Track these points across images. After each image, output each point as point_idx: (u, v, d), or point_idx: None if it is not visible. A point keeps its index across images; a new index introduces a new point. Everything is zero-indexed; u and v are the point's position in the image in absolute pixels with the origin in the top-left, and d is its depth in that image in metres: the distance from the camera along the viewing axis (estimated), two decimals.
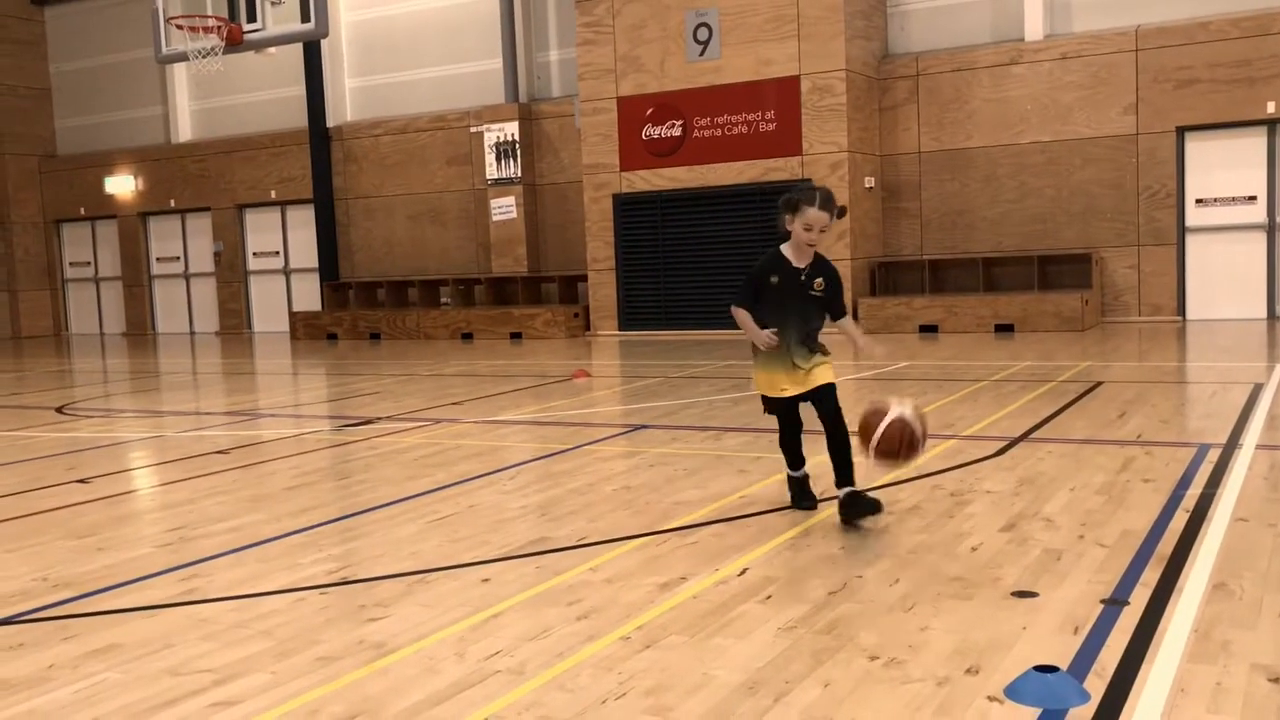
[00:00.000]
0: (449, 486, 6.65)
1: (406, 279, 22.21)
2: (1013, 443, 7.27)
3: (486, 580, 4.63)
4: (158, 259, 26.57)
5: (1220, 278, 16.68)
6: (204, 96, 25.28)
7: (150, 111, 26.06)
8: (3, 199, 26.85)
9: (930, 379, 11.10)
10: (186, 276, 26.21)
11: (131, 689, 3.56)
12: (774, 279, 5.35)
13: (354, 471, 7.51)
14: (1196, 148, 16.61)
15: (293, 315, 23.09)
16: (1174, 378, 10.93)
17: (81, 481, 7.30)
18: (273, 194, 24.37)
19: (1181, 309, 16.84)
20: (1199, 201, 16.70)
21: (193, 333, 25.96)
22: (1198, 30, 16.21)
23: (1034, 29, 17.33)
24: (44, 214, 27.52)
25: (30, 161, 27.15)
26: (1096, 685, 3.28)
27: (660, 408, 9.81)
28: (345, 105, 23.36)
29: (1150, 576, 4.31)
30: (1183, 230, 16.76)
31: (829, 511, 5.61)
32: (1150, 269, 16.86)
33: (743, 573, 4.60)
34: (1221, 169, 16.51)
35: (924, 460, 6.21)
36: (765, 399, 5.56)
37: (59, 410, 11.59)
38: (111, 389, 14.38)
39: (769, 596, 4.27)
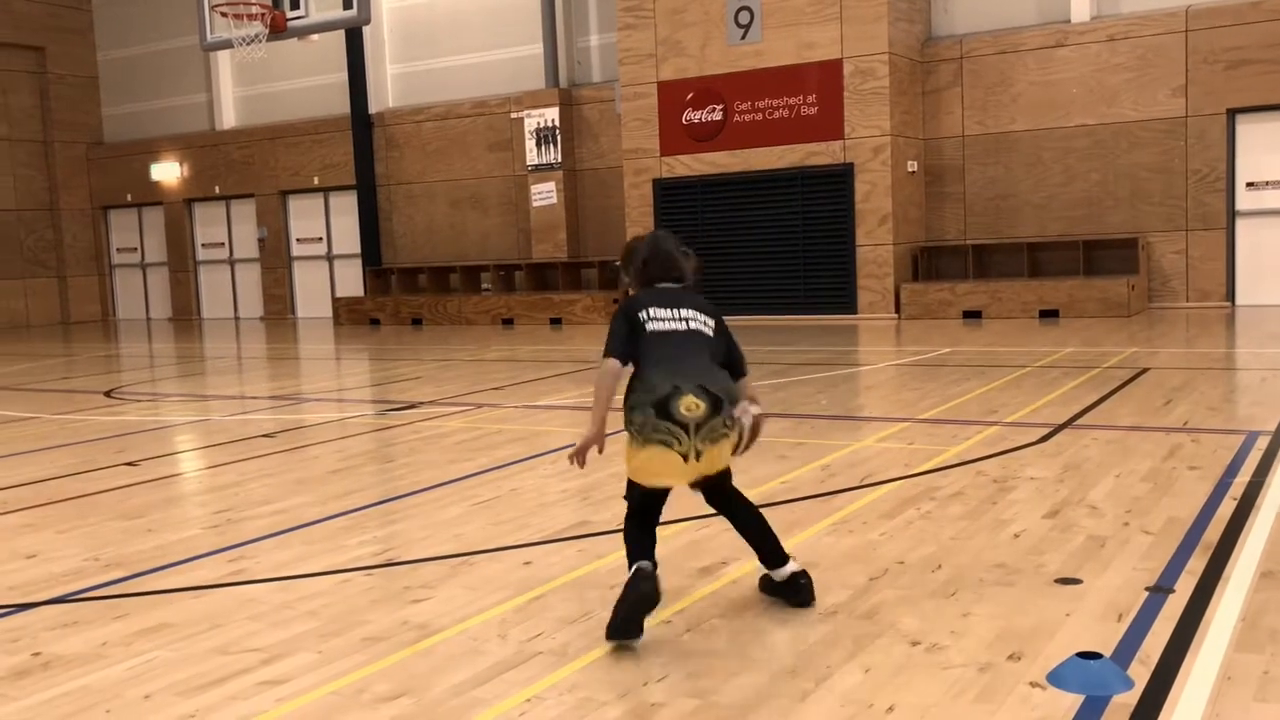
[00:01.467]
0: (491, 470, 6.70)
1: (448, 265, 22.30)
2: (1057, 429, 7.20)
3: (528, 563, 4.66)
4: (203, 245, 26.86)
5: (1272, 262, 16.38)
6: (247, 84, 25.49)
7: (195, 99, 26.31)
8: (52, 186, 27.25)
9: (973, 365, 11.02)
10: (231, 262, 26.49)
11: (181, 667, 3.63)
12: None
13: (397, 455, 7.58)
14: (1248, 130, 16.31)
15: (335, 301, 23.27)
16: (1222, 364, 10.77)
17: (131, 464, 7.42)
18: (315, 180, 24.55)
19: (1231, 294, 16.57)
20: (1250, 185, 16.41)
21: (237, 318, 26.25)
22: (1249, 10, 15.90)
23: (1080, 10, 17.07)
24: (92, 201, 27.89)
25: (78, 149, 27.52)
26: (1140, 673, 3.26)
27: None
28: (387, 91, 23.47)
29: (1196, 564, 4.26)
30: (1233, 214, 16.48)
31: (870, 498, 5.60)
32: (1199, 254, 16.60)
33: None
34: (1274, 151, 16.20)
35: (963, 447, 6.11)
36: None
37: (107, 394, 11.78)
38: (158, 373, 14.59)
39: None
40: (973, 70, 17.74)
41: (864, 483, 5.91)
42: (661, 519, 3.93)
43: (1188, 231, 16.61)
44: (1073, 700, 3.10)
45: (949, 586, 4.15)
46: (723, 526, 5.11)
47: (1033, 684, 3.23)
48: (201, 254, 26.93)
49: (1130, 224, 16.90)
